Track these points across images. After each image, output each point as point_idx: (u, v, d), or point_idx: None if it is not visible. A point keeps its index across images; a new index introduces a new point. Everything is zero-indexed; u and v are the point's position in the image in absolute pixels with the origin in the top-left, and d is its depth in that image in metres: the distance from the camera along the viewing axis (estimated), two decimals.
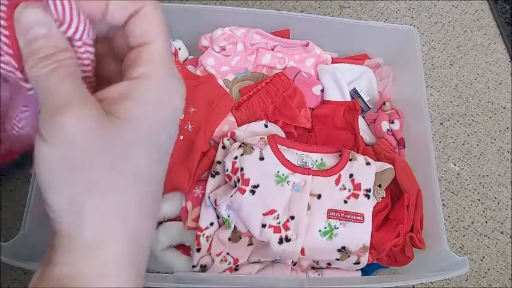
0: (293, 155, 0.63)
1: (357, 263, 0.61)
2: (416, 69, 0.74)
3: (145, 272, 0.65)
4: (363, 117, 0.76)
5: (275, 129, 0.67)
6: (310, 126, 0.71)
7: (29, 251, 0.56)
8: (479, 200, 0.86)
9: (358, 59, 0.81)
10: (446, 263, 0.60)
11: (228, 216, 0.60)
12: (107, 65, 0.26)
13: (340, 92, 0.74)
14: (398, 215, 0.64)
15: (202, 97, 0.67)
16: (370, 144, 0.74)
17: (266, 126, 0.67)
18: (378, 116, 0.74)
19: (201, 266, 0.61)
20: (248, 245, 0.62)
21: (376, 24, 0.77)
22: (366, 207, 0.62)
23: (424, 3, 1.05)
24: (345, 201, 0.62)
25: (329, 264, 0.63)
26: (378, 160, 0.69)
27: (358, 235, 0.61)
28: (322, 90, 0.74)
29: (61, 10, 0.22)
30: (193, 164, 0.63)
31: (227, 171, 0.61)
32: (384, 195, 0.64)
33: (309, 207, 0.61)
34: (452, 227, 0.83)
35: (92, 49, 0.24)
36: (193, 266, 0.61)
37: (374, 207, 0.63)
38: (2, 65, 0.22)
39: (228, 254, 0.61)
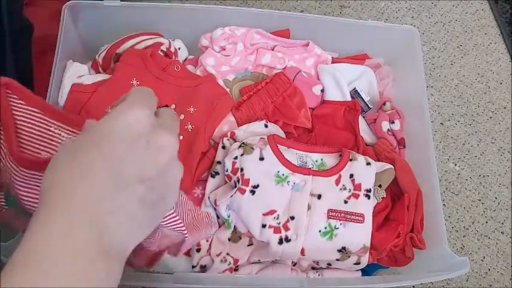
0: (293, 155, 0.63)
1: (357, 263, 0.61)
2: (416, 69, 0.74)
3: (145, 273, 0.64)
4: (363, 117, 0.76)
5: (275, 129, 0.67)
6: (310, 126, 0.71)
7: None
8: (479, 200, 0.86)
9: (358, 58, 0.81)
10: (447, 263, 0.60)
11: (228, 217, 0.60)
12: None
13: (341, 92, 0.74)
14: (398, 215, 0.64)
15: (202, 97, 0.67)
16: (370, 144, 0.74)
17: (266, 126, 0.66)
18: (378, 116, 0.74)
19: (201, 267, 0.61)
20: (248, 245, 0.62)
21: (377, 24, 0.77)
22: (366, 207, 0.62)
23: (424, 3, 1.05)
24: (345, 202, 0.62)
25: (329, 264, 0.63)
26: (378, 160, 0.69)
27: (359, 235, 0.61)
28: (322, 90, 0.74)
29: None
30: (193, 164, 0.62)
31: (227, 171, 0.61)
32: (384, 196, 0.64)
33: (309, 208, 0.60)
34: (452, 227, 0.83)
35: None
36: (193, 266, 0.61)
37: (374, 207, 0.63)
38: None
39: (228, 254, 0.61)
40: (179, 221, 0.37)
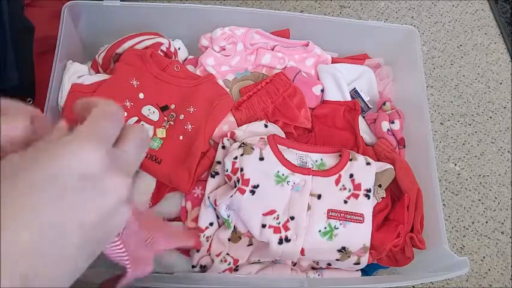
0: (293, 155, 0.63)
1: (357, 263, 0.61)
2: (416, 69, 0.74)
3: None
4: (363, 117, 0.76)
5: (275, 129, 0.67)
6: (310, 126, 0.71)
7: None
8: (479, 200, 0.86)
9: (358, 58, 0.81)
10: (447, 263, 0.60)
11: (228, 217, 0.60)
12: None
13: (340, 92, 0.74)
14: (398, 215, 0.64)
15: (202, 97, 0.67)
16: (370, 144, 0.74)
17: (266, 126, 0.66)
18: (378, 116, 0.74)
19: (201, 266, 0.61)
20: (248, 246, 0.62)
21: (376, 24, 0.77)
22: (366, 207, 0.62)
23: (424, 3, 1.05)
24: (345, 202, 0.62)
25: (329, 264, 0.63)
26: (378, 160, 0.69)
27: (358, 235, 0.61)
28: (322, 90, 0.74)
29: None
30: (193, 164, 0.63)
31: (227, 171, 0.61)
32: (384, 196, 0.64)
33: (309, 208, 0.60)
34: (452, 227, 0.83)
35: None
36: (193, 266, 0.61)
37: (374, 207, 0.63)
38: None
39: (227, 254, 0.61)
40: (123, 253, 0.34)
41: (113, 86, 0.65)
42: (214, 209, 0.61)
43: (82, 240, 0.25)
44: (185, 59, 0.77)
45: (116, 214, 0.26)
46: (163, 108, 0.67)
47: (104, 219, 0.25)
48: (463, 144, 0.91)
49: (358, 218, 0.61)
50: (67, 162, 0.24)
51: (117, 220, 0.27)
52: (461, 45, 1.01)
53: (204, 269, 0.61)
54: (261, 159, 0.61)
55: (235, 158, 0.60)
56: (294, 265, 0.64)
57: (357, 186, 0.62)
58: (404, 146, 0.72)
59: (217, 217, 0.62)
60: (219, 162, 0.63)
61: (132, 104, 0.66)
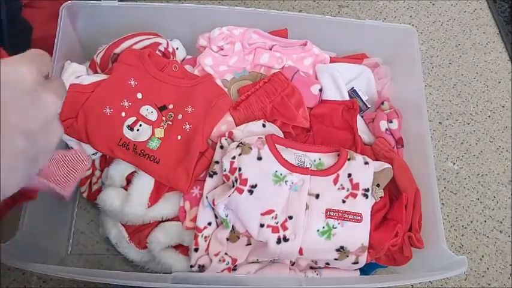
0: (291, 155, 0.63)
1: (356, 262, 0.61)
2: (415, 68, 0.74)
3: (143, 272, 0.64)
4: (361, 116, 0.76)
5: (273, 129, 0.67)
6: (309, 125, 0.71)
7: (27, 251, 0.56)
8: (478, 199, 0.86)
9: (357, 58, 0.81)
10: (445, 263, 0.60)
11: (226, 216, 0.60)
12: None
13: (339, 91, 0.74)
14: (396, 214, 0.64)
15: (200, 97, 0.67)
16: (368, 144, 0.74)
17: (264, 126, 0.66)
18: (376, 115, 0.74)
19: (199, 266, 0.61)
20: (246, 245, 0.62)
21: (375, 23, 0.77)
22: (364, 206, 0.62)
23: (422, 2, 1.05)
24: (343, 201, 0.62)
25: (327, 264, 0.63)
26: (376, 159, 0.69)
27: (357, 235, 0.61)
28: (320, 90, 0.74)
29: None
30: (191, 164, 0.63)
31: (225, 171, 0.61)
32: (382, 195, 0.64)
33: (307, 207, 0.61)
34: (451, 226, 0.83)
35: None
36: (191, 266, 0.61)
37: (372, 206, 0.63)
38: None
39: (226, 254, 0.61)
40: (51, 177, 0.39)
41: (111, 86, 0.65)
42: (213, 209, 0.61)
43: (25, 147, 0.29)
44: (183, 59, 0.77)
45: (52, 127, 0.32)
46: (162, 108, 0.67)
47: (43, 130, 0.30)
48: (462, 143, 0.91)
49: (356, 217, 0.61)
50: (5, 73, 0.28)
51: (54, 134, 0.32)
52: (459, 44, 1.01)
53: (202, 268, 0.61)
54: (259, 158, 0.61)
55: (233, 157, 0.60)
56: (292, 264, 0.64)
57: (355, 186, 0.62)
58: (402, 146, 0.73)
59: (216, 217, 0.62)
60: (217, 162, 0.63)
61: (130, 104, 0.66)
